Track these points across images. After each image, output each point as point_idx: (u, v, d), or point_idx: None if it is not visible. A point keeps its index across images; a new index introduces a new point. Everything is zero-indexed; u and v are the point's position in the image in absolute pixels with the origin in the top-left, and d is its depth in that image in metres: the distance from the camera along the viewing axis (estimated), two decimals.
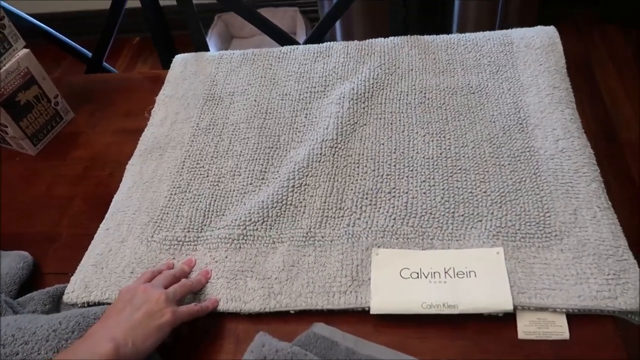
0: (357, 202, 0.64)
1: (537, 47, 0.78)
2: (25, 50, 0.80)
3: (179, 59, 0.92)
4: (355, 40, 0.86)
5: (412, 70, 0.80)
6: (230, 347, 0.56)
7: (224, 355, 0.56)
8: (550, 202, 0.61)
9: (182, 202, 0.69)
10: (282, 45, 0.91)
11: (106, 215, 0.70)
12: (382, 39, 0.85)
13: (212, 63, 0.88)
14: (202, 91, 0.84)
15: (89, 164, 0.81)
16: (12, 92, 0.79)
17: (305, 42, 1.05)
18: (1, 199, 0.78)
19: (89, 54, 1.16)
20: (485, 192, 0.63)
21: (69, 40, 1.15)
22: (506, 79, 0.76)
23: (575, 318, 0.52)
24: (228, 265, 0.61)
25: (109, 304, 0.59)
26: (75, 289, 0.62)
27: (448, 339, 0.54)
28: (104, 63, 1.16)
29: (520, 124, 0.70)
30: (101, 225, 0.69)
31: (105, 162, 0.81)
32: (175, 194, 0.70)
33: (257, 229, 0.64)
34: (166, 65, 0.95)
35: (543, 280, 0.54)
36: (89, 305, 0.60)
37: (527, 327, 0.52)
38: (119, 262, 0.64)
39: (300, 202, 0.66)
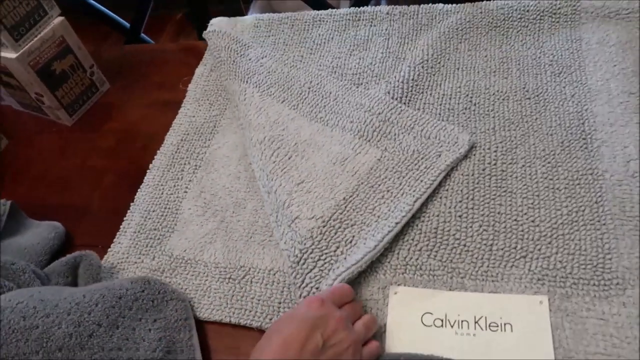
0: None
1: (611, 44, 0.65)
2: (60, 18, 0.78)
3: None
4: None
5: (458, 69, 0.69)
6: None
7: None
8: (613, 240, 0.50)
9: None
10: None
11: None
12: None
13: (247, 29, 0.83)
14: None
15: (121, 137, 0.79)
16: (48, 60, 0.77)
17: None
18: (37, 170, 0.78)
19: (127, 25, 1.14)
20: (533, 221, 0.54)
21: (107, 10, 1.14)
22: (570, 82, 0.64)
23: None
24: None
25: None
26: None
27: None
28: (142, 35, 1.14)
29: (584, 139, 0.58)
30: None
31: (138, 136, 0.78)
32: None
33: None
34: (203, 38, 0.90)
35: (597, 342, 0.45)
36: None
37: None
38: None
39: None
